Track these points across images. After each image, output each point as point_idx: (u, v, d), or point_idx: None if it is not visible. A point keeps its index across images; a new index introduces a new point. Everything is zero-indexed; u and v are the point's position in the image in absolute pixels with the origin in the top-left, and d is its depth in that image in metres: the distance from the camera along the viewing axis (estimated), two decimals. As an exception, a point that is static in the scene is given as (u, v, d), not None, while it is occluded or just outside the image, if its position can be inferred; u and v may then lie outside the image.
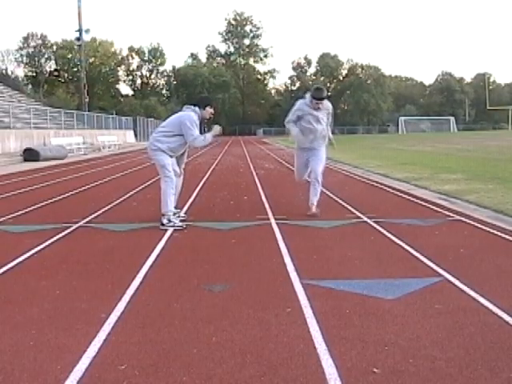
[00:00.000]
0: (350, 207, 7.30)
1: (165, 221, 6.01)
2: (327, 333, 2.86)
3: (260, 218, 6.61)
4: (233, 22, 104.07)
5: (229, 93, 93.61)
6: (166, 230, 5.82)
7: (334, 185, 10.14)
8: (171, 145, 6.09)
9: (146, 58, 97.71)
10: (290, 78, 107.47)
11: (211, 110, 6.20)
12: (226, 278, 4.00)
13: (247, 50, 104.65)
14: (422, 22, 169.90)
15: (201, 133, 6.12)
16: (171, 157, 6.19)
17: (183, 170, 6.62)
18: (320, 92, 6.58)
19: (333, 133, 7.15)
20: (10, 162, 19.65)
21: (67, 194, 9.51)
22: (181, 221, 6.18)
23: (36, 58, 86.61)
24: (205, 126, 7.13)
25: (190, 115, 6.05)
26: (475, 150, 22.86)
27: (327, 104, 6.77)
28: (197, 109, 6.12)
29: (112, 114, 45.03)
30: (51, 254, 4.90)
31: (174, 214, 6.23)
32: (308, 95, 6.67)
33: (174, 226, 5.94)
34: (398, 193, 8.95)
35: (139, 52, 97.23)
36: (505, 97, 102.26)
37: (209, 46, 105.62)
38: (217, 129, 6.26)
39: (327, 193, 9.01)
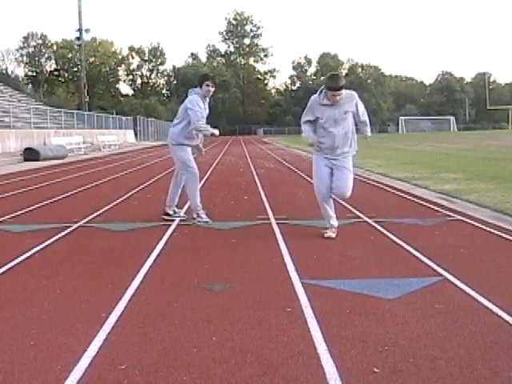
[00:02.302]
0: (350, 207, 7.29)
1: (194, 215, 6.28)
2: (327, 332, 2.86)
3: (260, 217, 6.60)
4: (233, 22, 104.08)
5: (229, 92, 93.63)
6: (166, 230, 5.82)
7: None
8: (187, 134, 6.26)
9: (146, 58, 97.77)
10: (290, 77, 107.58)
11: (207, 88, 6.18)
12: (225, 277, 4.00)
13: (247, 49, 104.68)
14: (421, 21, 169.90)
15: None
16: (189, 146, 6.34)
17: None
18: (336, 80, 5.05)
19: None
20: (10, 162, 19.65)
21: (67, 194, 9.51)
22: (180, 220, 6.25)
23: (36, 58, 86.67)
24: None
25: (191, 98, 6.21)
26: (475, 150, 22.86)
27: (350, 96, 5.24)
28: (198, 89, 6.24)
29: (112, 114, 45.05)
30: (51, 253, 4.90)
31: (175, 212, 6.38)
32: (319, 92, 5.26)
33: (203, 221, 6.20)
34: (398, 192, 8.94)
35: (139, 52, 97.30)
36: (505, 96, 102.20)
37: (209, 46, 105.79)
38: (216, 131, 6.38)
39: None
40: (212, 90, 6.21)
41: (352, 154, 5.42)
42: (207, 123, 6.43)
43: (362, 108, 5.35)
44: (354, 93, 5.30)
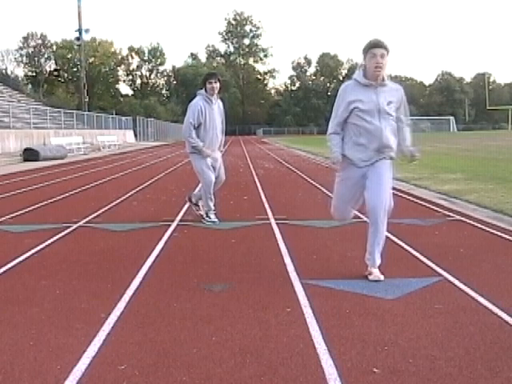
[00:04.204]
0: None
1: (204, 214, 6.42)
2: (327, 333, 2.86)
3: (260, 217, 6.61)
4: (233, 22, 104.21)
5: (228, 93, 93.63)
6: (165, 230, 5.82)
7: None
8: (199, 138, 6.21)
9: (145, 58, 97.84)
10: (290, 77, 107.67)
11: (211, 85, 6.10)
12: (225, 277, 4.00)
13: (247, 49, 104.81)
14: (421, 22, 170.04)
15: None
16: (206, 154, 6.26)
17: (222, 173, 6.62)
18: (378, 39, 3.81)
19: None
20: (10, 162, 19.64)
21: (67, 194, 9.51)
22: (180, 221, 6.31)
23: (36, 58, 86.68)
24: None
25: (193, 102, 6.19)
26: (475, 150, 22.86)
27: (396, 86, 3.92)
28: (202, 91, 6.19)
29: (112, 114, 45.05)
30: (51, 253, 4.90)
31: (197, 204, 6.59)
32: (357, 72, 3.91)
33: (210, 221, 6.32)
34: (397, 193, 8.94)
35: (139, 52, 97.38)
36: (504, 97, 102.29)
37: (209, 46, 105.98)
38: (207, 152, 6.22)
39: (327, 193, 9.02)
40: (216, 85, 6.11)
41: (391, 161, 4.02)
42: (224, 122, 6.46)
43: (407, 107, 4.01)
44: (402, 91, 3.96)
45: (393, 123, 3.87)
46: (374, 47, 3.74)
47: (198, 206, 6.58)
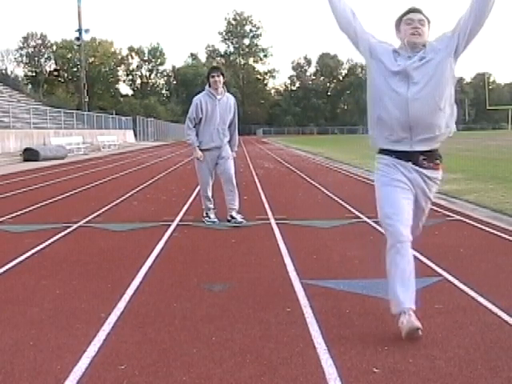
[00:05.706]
0: (349, 207, 7.30)
1: (204, 214, 6.39)
2: (327, 332, 2.86)
3: (260, 218, 6.60)
4: (232, 22, 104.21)
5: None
6: (165, 230, 5.83)
7: (333, 185, 10.17)
8: (199, 137, 6.16)
9: (145, 58, 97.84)
10: (290, 77, 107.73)
11: (213, 79, 6.03)
12: (225, 277, 4.00)
13: (247, 49, 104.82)
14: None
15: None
16: (206, 150, 6.15)
17: (229, 173, 6.24)
18: (413, 6, 2.98)
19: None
20: (10, 162, 19.64)
21: (67, 194, 9.51)
22: (180, 221, 6.26)
23: (36, 58, 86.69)
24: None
25: (195, 98, 6.17)
26: (475, 150, 22.86)
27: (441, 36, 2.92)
28: (206, 86, 6.15)
29: (112, 114, 45.04)
30: (51, 253, 4.90)
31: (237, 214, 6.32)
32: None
33: (210, 221, 6.31)
34: (397, 193, 8.93)
35: (139, 52, 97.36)
36: (504, 97, 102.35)
37: (208, 46, 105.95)
38: (198, 153, 6.15)
39: (327, 193, 9.03)
40: (218, 79, 6.01)
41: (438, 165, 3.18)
42: (235, 121, 6.33)
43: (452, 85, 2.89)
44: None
45: (435, 90, 2.80)
46: (410, 12, 2.91)
47: (235, 218, 6.21)
